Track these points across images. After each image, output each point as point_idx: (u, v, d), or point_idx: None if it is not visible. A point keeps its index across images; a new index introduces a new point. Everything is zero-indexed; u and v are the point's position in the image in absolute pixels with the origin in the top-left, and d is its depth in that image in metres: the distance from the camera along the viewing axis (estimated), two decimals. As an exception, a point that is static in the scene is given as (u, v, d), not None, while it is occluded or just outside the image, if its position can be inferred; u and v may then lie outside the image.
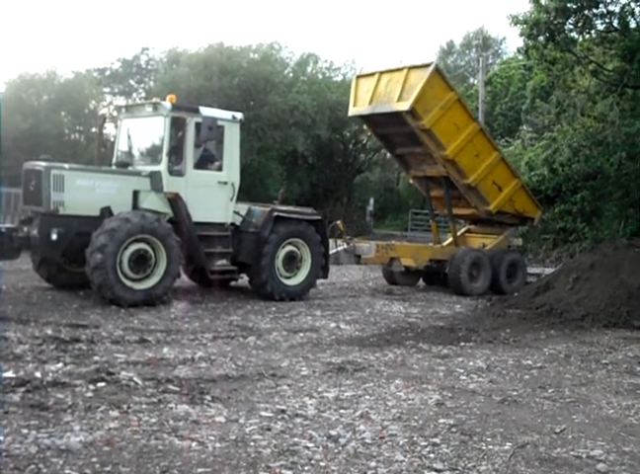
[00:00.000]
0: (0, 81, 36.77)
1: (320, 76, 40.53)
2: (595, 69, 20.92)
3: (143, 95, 38.21)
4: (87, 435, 5.34)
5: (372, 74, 16.49)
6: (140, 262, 11.77)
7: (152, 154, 13.18)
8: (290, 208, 14.51)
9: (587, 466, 5.35)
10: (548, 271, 18.71)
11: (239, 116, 13.60)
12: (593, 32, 20.27)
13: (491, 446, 5.66)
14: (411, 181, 19.67)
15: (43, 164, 11.99)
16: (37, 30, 71.77)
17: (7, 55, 59.51)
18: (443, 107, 15.72)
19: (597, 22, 19.79)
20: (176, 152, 12.78)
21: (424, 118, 15.47)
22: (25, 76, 34.56)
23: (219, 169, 13.24)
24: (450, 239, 18.43)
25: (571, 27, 19.45)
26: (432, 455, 5.39)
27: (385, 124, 16.77)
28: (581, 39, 20.45)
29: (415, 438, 5.74)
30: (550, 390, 7.66)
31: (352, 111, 16.99)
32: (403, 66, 16.00)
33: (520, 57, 30.57)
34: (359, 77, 17.19)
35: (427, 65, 15.67)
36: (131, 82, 40.13)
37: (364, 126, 18.56)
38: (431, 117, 15.54)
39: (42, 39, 69.26)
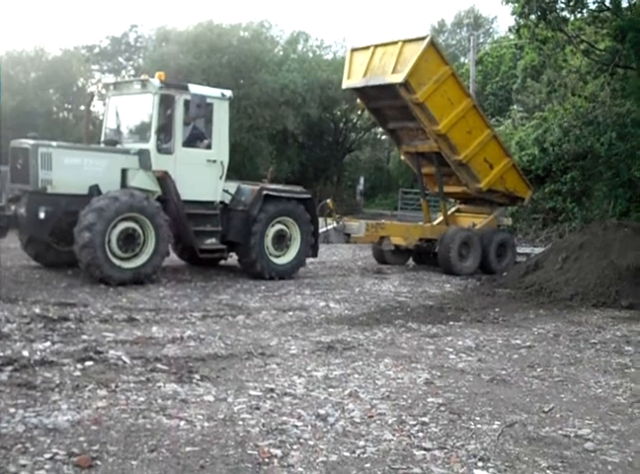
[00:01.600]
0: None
1: (310, 54, 40.38)
2: (586, 49, 20.87)
3: (132, 72, 37.94)
4: (75, 414, 5.32)
5: (367, 47, 16.32)
6: (129, 240, 11.71)
7: (141, 132, 13.09)
8: (280, 187, 14.44)
9: (575, 445, 5.36)
10: (538, 250, 18.76)
11: (228, 93, 13.50)
12: (584, 11, 20.22)
13: (480, 425, 5.67)
14: (402, 157, 19.61)
15: (31, 142, 11.86)
16: (24, 6, 70.94)
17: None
18: (438, 81, 15.59)
19: (588, 1, 19.75)
20: (165, 130, 12.69)
21: (417, 91, 15.35)
22: (12, 53, 34.21)
23: (208, 147, 13.14)
24: (441, 218, 18.41)
25: (562, 6, 19.40)
26: (420, 434, 5.39)
27: (378, 98, 16.65)
28: (572, 18, 20.39)
29: (404, 417, 5.75)
30: (539, 369, 7.68)
31: (345, 83, 16.85)
32: (398, 39, 15.81)
33: (512, 36, 30.35)
34: (353, 50, 16.99)
35: (422, 38, 15.52)
36: (120, 59, 39.81)
37: (357, 101, 18.43)
38: (424, 90, 15.42)
39: (30, 16, 68.43)
